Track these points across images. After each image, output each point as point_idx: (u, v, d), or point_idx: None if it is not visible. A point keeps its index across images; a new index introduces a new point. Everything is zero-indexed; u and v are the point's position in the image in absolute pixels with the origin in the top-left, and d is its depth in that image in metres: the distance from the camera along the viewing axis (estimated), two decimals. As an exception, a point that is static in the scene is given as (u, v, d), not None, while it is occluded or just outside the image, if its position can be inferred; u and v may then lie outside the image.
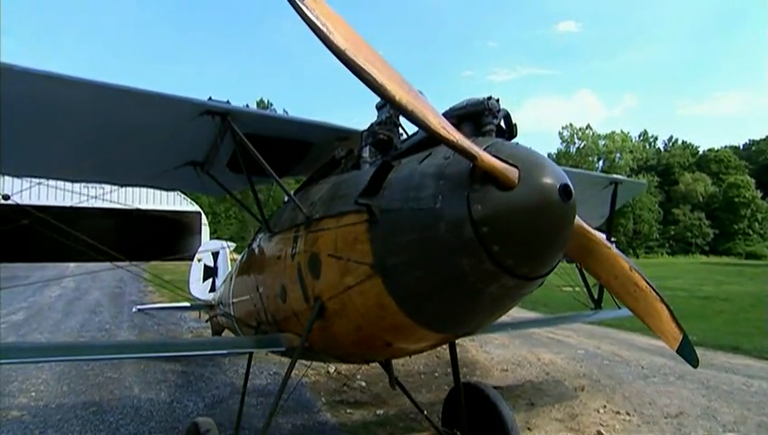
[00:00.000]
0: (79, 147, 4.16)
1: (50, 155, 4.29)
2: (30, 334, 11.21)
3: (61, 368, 7.81)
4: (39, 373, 7.56)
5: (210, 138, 4.11)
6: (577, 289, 6.33)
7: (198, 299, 8.99)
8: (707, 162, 73.14)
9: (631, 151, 74.59)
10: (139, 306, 11.29)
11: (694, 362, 3.35)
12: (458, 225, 2.34)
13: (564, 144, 76.84)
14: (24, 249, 24.90)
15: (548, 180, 2.31)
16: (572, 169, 7.03)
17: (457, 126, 2.82)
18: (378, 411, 6.23)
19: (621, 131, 76.38)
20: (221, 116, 3.79)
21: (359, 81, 2.10)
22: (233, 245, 9.89)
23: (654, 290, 3.07)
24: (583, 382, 7.45)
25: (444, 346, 4.44)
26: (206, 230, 36.83)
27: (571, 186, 2.33)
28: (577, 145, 76.07)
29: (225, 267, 9.03)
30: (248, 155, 3.82)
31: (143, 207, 27.19)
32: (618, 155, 73.53)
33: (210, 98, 3.87)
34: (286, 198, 4.40)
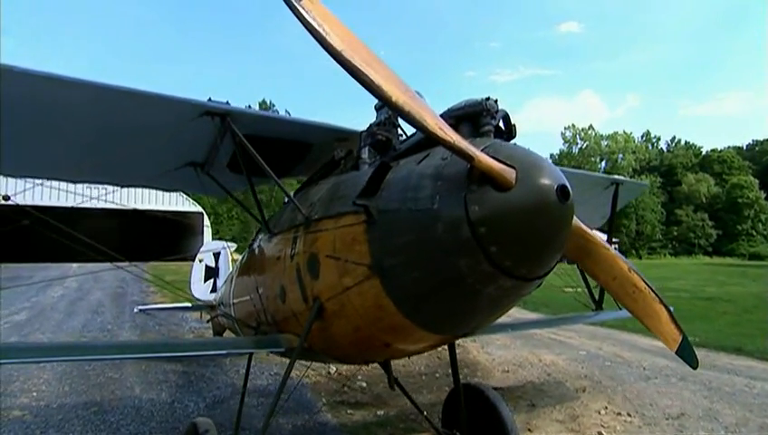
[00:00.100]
0: (79, 148, 4.17)
1: (50, 156, 4.30)
2: (32, 334, 11.25)
3: (62, 368, 7.83)
4: (41, 373, 7.59)
5: (210, 139, 4.11)
6: (578, 290, 6.32)
7: (200, 300, 9.01)
8: (710, 163, 72.96)
9: (634, 152, 74.46)
10: (140, 307, 11.32)
11: (693, 363, 3.33)
12: (455, 225, 2.34)
13: (567, 145, 76.87)
14: (27, 250, 25.01)
15: (545, 181, 2.30)
16: (573, 170, 7.04)
17: (456, 127, 2.82)
18: (378, 412, 6.23)
19: (624, 132, 76.29)
20: (220, 117, 3.80)
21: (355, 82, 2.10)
22: (234, 245, 9.90)
23: (653, 291, 3.05)
24: (585, 384, 7.43)
25: (444, 347, 4.44)
26: (208, 231, 36.91)
27: (568, 186, 2.32)
28: (579, 146, 76.00)
29: (227, 268, 9.04)
30: (248, 156, 3.82)
31: (146, 207, 27.27)
32: (620, 156, 73.40)
33: (210, 99, 3.87)
34: (286, 199, 4.40)
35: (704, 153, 76.60)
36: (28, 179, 4.42)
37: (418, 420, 5.62)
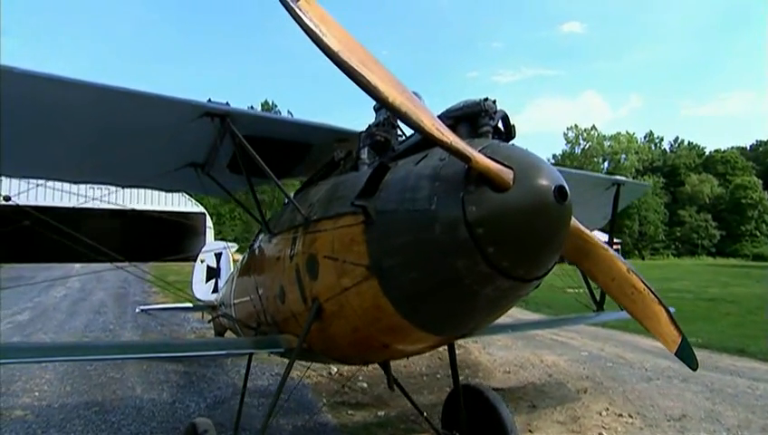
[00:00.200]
0: (79, 148, 4.19)
1: (51, 157, 4.32)
2: (35, 334, 11.29)
3: (64, 368, 7.85)
4: (43, 373, 7.61)
5: (210, 139, 4.12)
6: (579, 291, 6.30)
7: (201, 300, 9.03)
8: (714, 163, 72.72)
9: (637, 152, 74.31)
10: (141, 307, 11.35)
11: (693, 364, 3.31)
12: (453, 226, 2.34)
13: (569, 145, 76.71)
14: (30, 250, 25.08)
15: (543, 182, 2.30)
16: (574, 171, 7.02)
17: (454, 127, 2.83)
18: (379, 413, 6.22)
19: (627, 132, 76.21)
20: (220, 118, 3.81)
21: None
22: (235, 246, 9.92)
23: (652, 292, 3.04)
24: (586, 385, 7.41)
25: (445, 347, 4.44)
26: (210, 232, 36.96)
27: (566, 187, 2.32)
28: (582, 146, 75.86)
29: (228, 268, 9.05)
30: (248, 156, 3.83)
31: (149, 208, 27.31)
32: (623, 156, 73.26)
33: (210, 99, 3.89)
34: (287, 200, 4.41)
35: (707, 154, 76.35)
36: (29, 180, 4.44)
37: (419, 421, 5.62)
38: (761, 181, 66.76)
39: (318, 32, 2.06)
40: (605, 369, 8.34)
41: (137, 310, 11.76)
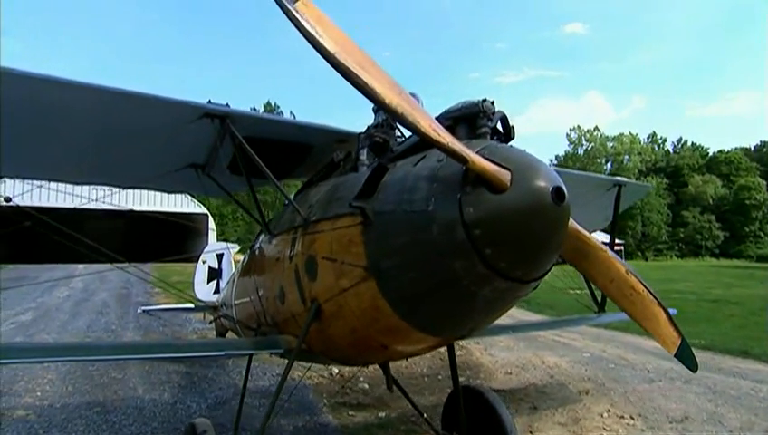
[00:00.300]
0: (80, 149, 4.21)
1: (51, 158, 4.34)
2: (37, 335, 11.33)
3: (66, 368, 7.88)
4: (45, 373, 7.64)
5: (210, 140, 4.14)
6: (579, 292, 6.28)
7: (203, 301, 9.04)
8: (717, 164, 72.46)
9: (640, 153, 74.12)
10: (143, 308, 11.37)
11: (693, 366, 3.29)
12: (450, 227, 2.34)
13: (572, 146, 76.58)
14: (33, 251, 25.21)
15: (540, 183, 2.29)
16: (575, 172, 7.02)
17: (453, 128, 2.83)
18: (380, 414, 6.22)
19: (630, 133, 76.08)
20: (220, 119, 3.82)
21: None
22: (237, 247, 9.94)
23: (651, 293, 3.03)
24: (588, 386, 7.38)
25: (446, 348, 4.43)
26: (213, 234, 37.03)
27: (564, 188, 2.31)
28: (585, 147, 75.69)
29: (229, 269, 9.07)
30: (248, 157, 3.84)
31: (151, 209, 27.40)
32: (626, 157, 73.10)
33: (209, 101, 3.90)
34: (286, 201, 4.42)
35: (710, 154, 76.06)
36: (29, 181, 4.46)
37: (419, 423, 5.61)
38: (765, 182, 66.46)
39: (314, 33, 2.06)
40: (607, 370, 8.31)
41: (138, 311, 11.79)
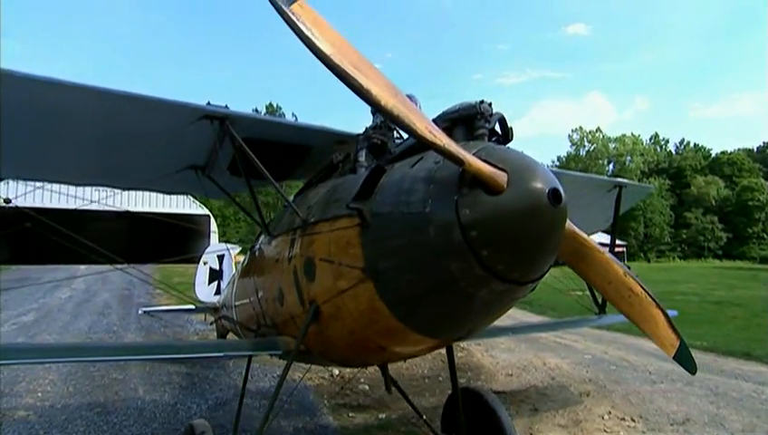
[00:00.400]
0: (80, 151, 4.23)
1: (51, 159, 4.36)
2: (39, 335, 11.37)
3: (67, 369, 7.90)
4: (46, 374, 7.66)
5: (210, 142, 4.15)
6: (580, 293, 6.27)
7: (204, 302, 9.06)
8: (720, 165, 72.23)
9: (642, 154, 73.92)
10: (144, 309, 11.40)
11: (692, 369, 3.28)
12: (447, 229, 2.33)
13: (574, 147, 76.43)
14: (36, 252, 25.29)
15: (537, 184, 2.28)
16: (576, 173, 7.01)
17: (450, 130, 2.83)
18: (380, 415, 6.21)
19: (632, 134, 75.84)
20: (219, 120, 3.83)
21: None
22: (238, 248, 9.95)
23: (649, 295, 3.01)
24: (589, 388, 7.36)
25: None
26: (215, 236, 37.06)
27: (560, 190, 2.30)
28: (587, 148, 75.54)
29: (230, 270, 9.08)
30: (247, 159, 3.84)
31: (153, 210, 27.47)
32: (628, 158, 72.91)
33: (209, 102, 3.91)
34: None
35: (713, 155, 75.82)
36: (31, 182, 4.49)
37: (419, 424, 5.60)
38: (768, 183, 66.27)
39: (310, 35, 2.06)
40: (608, 372, 8.29)
41: (139, 311, 11.82)
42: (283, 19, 2.07)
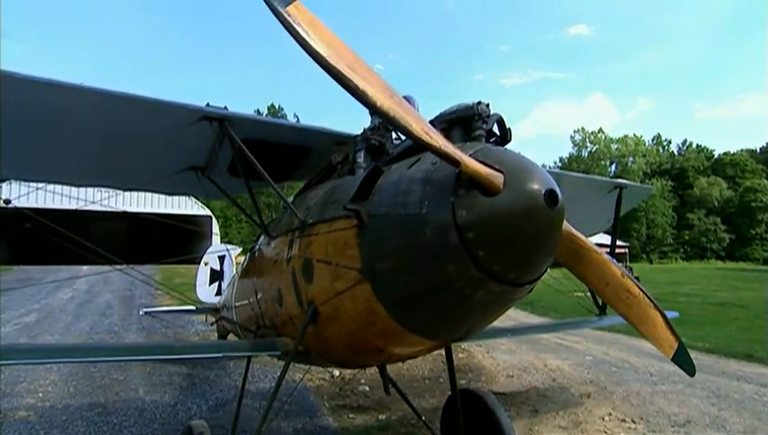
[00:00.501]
0: (80, 152, 4.24)
1: (52, 160, 4.38)
2: (41, 336, 11.41)
3: (68, 369, 7.92)
4: (47, 375, 7.68)
5: (209, 143, 4.16)
6: (581, 294, 6.26)
7: (205, 302, 9.07)
8: (723, 166, 71.96)
9: (644, 155, 73.74)
10: (145, 309, 11.42)
11: (690, 370, 3.27)
12: (443, 230, 2.33)
13: (576, 148, 76.30)
14: (37, 253, 25.37)
15: (533, 186, 2.28)
16: (576, 174, 6.99)
17: (448, 131, 2.83)
18: (380, 417, 6.21)
19: (634, 135, 75.64)
20: (218, 121, 3.84)
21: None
22: (238, 248, 9.97)
23: (648, 296, 3.01)
24: (589, 389, 7.34)
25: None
26: (216, 238, 37.10)
27: (557, 191, 2.30)
28: (589, 149, 75.39)
29: (231, 271, 9.09)
30: (246, 160, 3.85)
31: (155, 211, 27.52)
32: (630, 159, 72.74)
33: (208, 104, 3.92)
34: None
35: (716, 156, 75.57)
36: (31, 183, 4.50)
37: (419, 426, 5.60)
38: (771, 184, 65.97)
39: (305, 36, 2.07)
40: (609, 373, 8.27)
41: (140, 312, 11.85)
42: (279, 20, 2.07)
